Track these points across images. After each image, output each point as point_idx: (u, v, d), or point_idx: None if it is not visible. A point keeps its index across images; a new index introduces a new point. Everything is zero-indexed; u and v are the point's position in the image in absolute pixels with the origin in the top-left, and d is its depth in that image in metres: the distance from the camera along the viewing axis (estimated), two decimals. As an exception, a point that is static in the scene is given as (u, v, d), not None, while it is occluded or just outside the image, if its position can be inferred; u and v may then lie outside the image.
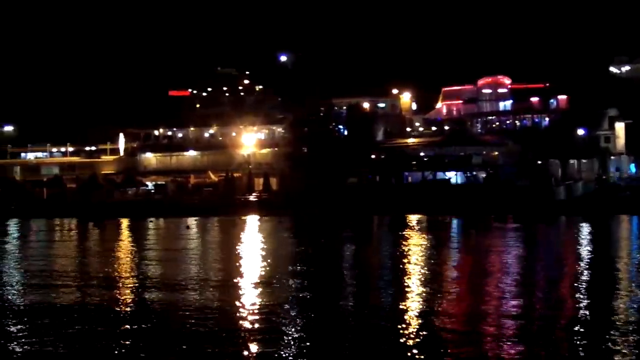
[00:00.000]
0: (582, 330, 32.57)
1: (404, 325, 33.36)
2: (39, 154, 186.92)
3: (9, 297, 44.05)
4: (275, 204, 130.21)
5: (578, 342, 30.53)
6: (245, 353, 29.42)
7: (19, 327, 35.19)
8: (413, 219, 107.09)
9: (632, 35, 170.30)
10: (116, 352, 30.05)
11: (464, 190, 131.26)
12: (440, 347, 29.67)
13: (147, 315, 37.11)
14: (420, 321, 34.46)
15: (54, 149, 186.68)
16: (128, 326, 34.89)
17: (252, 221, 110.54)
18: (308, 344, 30.83)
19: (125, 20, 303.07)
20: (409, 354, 28.61)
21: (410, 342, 30.38)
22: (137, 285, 47.56)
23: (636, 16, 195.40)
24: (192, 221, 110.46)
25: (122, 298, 42.96)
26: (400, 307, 37.79)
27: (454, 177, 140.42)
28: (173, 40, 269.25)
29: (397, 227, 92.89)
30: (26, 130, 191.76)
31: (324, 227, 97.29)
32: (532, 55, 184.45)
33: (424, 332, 32.23)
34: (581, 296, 41.39)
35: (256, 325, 34.04)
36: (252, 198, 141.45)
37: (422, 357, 28.32)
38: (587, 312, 36.47)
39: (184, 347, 30.50)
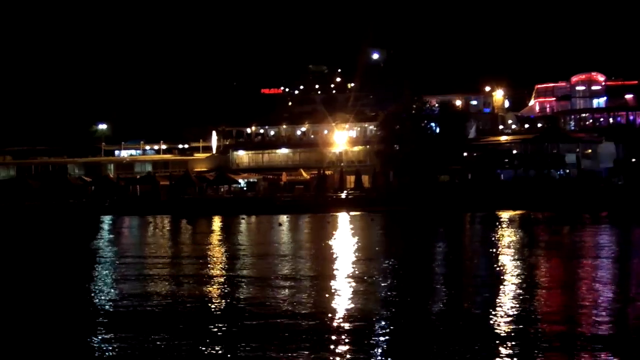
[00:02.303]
0: None
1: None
2: (133, 152, 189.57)
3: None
4: (367, 201, 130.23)
5: None
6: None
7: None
8: (507, 215, 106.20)
9: None
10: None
11: (558, 187, 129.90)
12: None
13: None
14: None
15: (147, 147, 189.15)
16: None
17: (344, 218, 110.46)
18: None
19: (220, 19, 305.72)
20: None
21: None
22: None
23: None
24: (284, 218, 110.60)
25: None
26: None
27: (547, 174, 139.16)
28: (265, 39, 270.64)
29: (494, 223, 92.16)
30: (120, 128, 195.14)
31: (417, 224, 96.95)
32: (626, 52, 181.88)
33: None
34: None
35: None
36: (343, 196, 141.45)
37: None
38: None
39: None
